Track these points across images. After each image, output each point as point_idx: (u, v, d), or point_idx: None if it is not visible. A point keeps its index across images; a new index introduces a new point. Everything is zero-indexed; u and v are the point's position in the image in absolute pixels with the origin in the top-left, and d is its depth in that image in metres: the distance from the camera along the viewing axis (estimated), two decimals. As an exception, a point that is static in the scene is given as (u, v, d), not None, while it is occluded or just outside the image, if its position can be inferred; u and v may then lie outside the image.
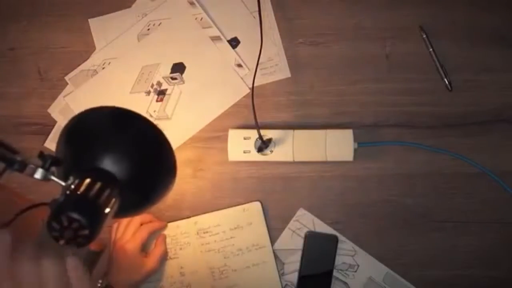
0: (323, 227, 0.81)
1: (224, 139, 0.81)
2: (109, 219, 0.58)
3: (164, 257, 0.82)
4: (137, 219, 0.82)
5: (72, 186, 0.57)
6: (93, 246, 0.80)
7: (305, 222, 0.82)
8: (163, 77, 0.84)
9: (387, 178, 0.81)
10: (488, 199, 0.80)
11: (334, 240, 0.80)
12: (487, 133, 0.80)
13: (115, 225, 0.82)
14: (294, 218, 0.82)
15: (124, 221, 0.82)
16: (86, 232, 0.54)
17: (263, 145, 0.78)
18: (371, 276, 0.81)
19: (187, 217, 0.82)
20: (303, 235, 0.81)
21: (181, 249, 0.82)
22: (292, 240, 0.82)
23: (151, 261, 0.80)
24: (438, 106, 0.81)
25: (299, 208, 0.82)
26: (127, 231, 0.80)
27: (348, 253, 0.81)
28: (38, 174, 0.57)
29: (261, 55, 0.80)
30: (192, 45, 0.84)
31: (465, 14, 0.81)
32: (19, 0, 0.85)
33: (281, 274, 0.81)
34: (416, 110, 0.81)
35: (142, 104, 0.84)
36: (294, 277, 0.81)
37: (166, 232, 0.83)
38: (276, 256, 0.81)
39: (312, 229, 0.81)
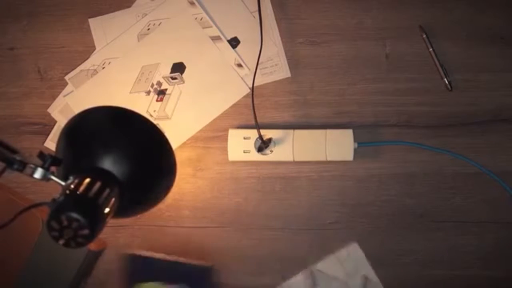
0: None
1: (224, 139, 0.81)
2: (108, 219, 0.58)
3: None
4: None
5: (72, 186, 0.57)
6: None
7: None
8: (163, 77, 0.84)
9: (387, 178, 0.81)
10: (488, 199, 0.80)
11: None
12: (487, 133, 0.80)
13: None
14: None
15: None
16: (85, 232, 0.54)
17: (263, 145, 0.78)
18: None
19: (187, 217, 0.82)
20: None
21: None
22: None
23: None
24: (438, 106, 0.81)
25: (299, 209, 0.82)
26: None
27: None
28: (38, 174, 0.57)
29: (261, 55, 0.80)
30: (192, 45, 0.84)
31: (465, 14, 0.81)
32: (19, 0, 0.85)
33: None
34: (416, 110, 0.81)
35: (142, 104, 0.84)
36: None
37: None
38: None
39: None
